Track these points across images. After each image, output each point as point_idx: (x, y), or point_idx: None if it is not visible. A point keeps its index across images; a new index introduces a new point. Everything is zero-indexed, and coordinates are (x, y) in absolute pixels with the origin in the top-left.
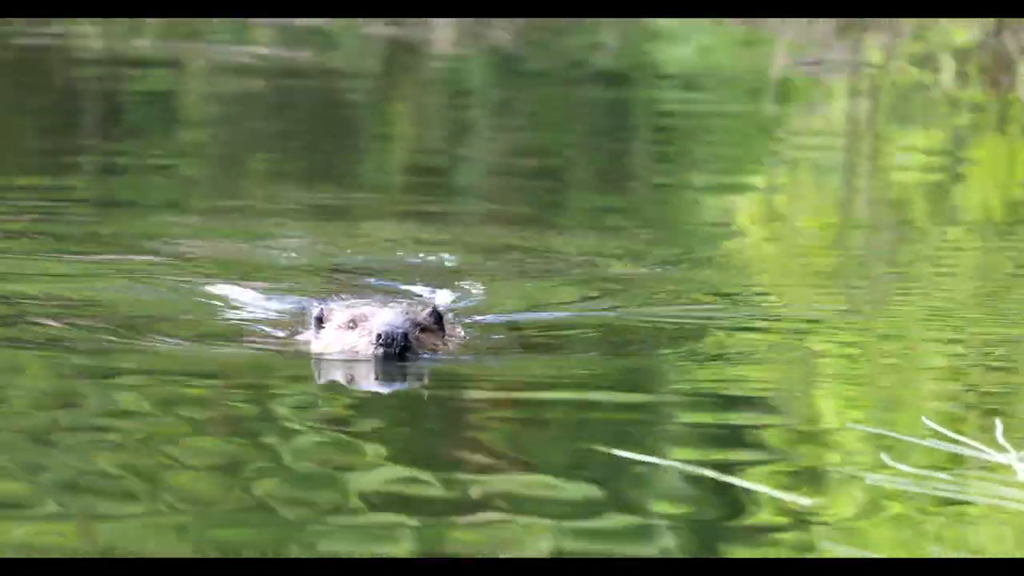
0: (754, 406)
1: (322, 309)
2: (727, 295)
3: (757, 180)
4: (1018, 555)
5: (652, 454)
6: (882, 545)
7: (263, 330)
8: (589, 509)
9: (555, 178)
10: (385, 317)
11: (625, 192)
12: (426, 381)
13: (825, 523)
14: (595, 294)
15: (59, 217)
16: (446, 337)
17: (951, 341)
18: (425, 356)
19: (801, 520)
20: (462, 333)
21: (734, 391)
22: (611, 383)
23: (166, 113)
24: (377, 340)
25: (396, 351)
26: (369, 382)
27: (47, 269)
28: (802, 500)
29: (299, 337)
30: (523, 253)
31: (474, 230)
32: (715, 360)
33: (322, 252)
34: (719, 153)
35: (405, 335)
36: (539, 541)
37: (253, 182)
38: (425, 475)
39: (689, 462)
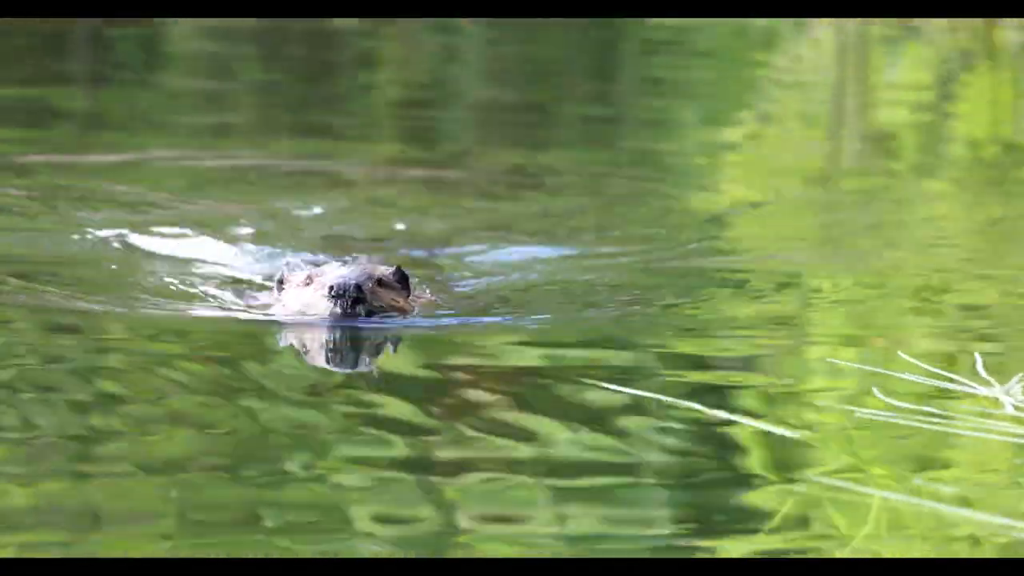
0: (737, 342)
1: (283, 270)
2: (711, 235)
3: (744, 113)
4: (1006, 484)
5: (634, 388)
6: (869, 477)
7: (225, 292)
8: (577, 449)
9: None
10: (338, 271)
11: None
12: (379, 338)
13: (812, 457)
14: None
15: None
16: (411, 297)
17: (932, 279)
18: (381, 313)
19: (787, 454)
20: (430, 295)
21: (716, 329)
22: (579, 339)
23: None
24: (329, 292)
25: (349, 302)
26: (321, 340)
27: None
28: (787, 433)
29: (260, 299)
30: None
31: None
32: (698, 300)
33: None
34: (705, 78)
35: (358, 287)
36: (535, 496)
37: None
38: (383, 435)
39: (675, 396)
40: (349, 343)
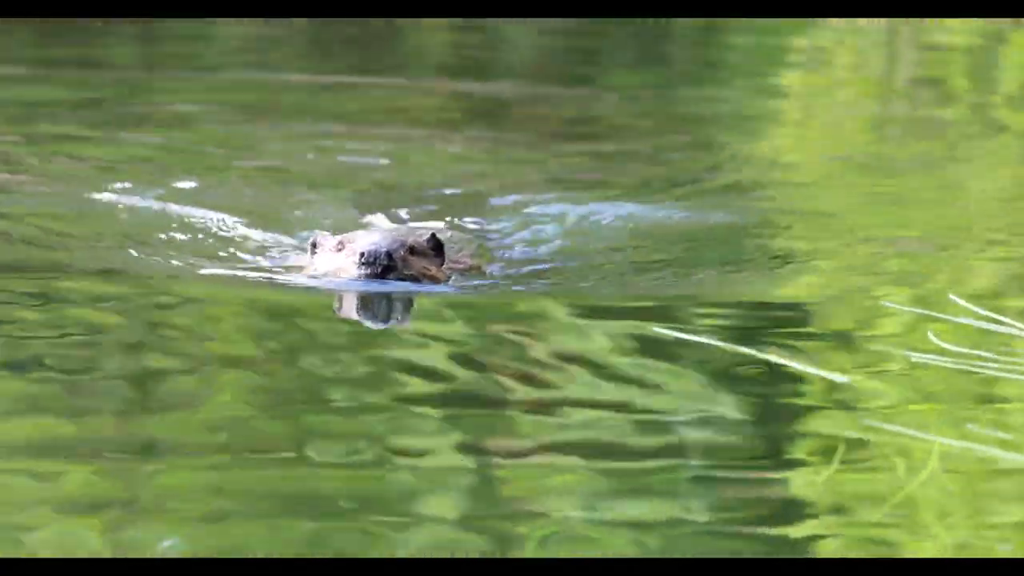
0: (790, 288)
1: (316, 235)
2: (761, 184)
3: (797, 54)
4: None
5: (689, 334)
6: (921, 422)
7: (259, 255)
8: (627, 392)
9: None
10: (369, 237)
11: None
12: (408, 304)
13: (864, 400)
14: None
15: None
16: (447, 265)
17: (990, 227)
18: (412, 279)
19: (840, 397)
20: (470, 260)
21: (769, 277)
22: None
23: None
24: (359, 259)
25: (379, 270)
26: (351, 304)
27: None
28: (839, 377)
29: (293, 261)
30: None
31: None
32: (755, 249)
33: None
34: (757, 24)
35: (389, 254)
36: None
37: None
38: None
39: (728, 340)
40: (379, 308)
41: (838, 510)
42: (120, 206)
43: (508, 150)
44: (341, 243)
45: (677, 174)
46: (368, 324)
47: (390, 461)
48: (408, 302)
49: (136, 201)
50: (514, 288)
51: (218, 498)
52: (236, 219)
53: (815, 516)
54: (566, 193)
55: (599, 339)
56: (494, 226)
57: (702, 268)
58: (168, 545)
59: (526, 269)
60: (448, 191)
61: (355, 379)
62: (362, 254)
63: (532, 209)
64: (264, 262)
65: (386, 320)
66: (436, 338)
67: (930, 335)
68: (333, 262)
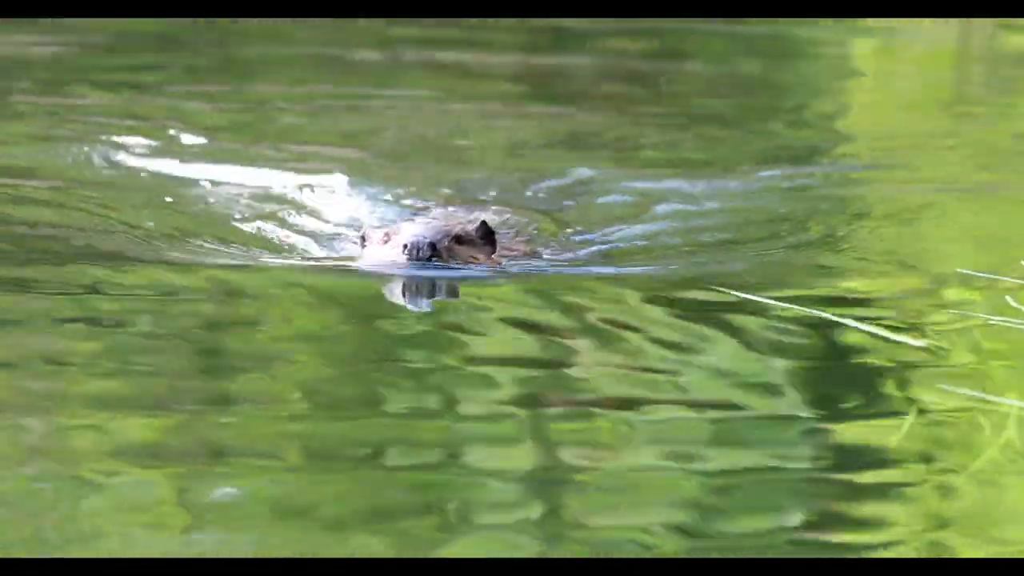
0: (863, 253)
1: (365, 227)
2: (835, 150)
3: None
4: None
5: (758, 296)
6: (993, 386)
7: (315, 245)
8: (701, 357)
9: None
10: (413, 228)
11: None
12: (453, 288)
13: (939, 364)
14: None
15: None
16: (500, 252)
17: None
18: (456, 267)
19: (914, 361)
20: (526, 247)
21: (842, 242)
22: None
23: None
24: (403, 250)
25: (424, 260)
26: (395, 294)
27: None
28: (914, 342)
29: (345, 250)
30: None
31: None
32: (830, 218)
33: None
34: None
35: (432, 245)
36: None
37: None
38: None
39: (804, 306)
40: (423, 291)
41: (913, 471)
42: (207, 193)
43: (580, 134)
44: (387, 235)
45: (745, 150)
46: (413, 307)
47: (457, 424)
48: (453, 286)
49: (221, 189)
50: (564, 271)
51: (283, 453)
52: (321, 198)
53: (892, 473)
54: (643, 170)
55: (658, 314)
56: (563, 212)
57: (766, 242)
58: (223, 493)
59: (585, 252)
60: (514, 170)
61: (419, 345)
62: (405, 245)
63: (604, 186)
64: (325, 251)
65: (430, 302)
66: (501, 319)
67: (1008, 299)
68: (379, 254)
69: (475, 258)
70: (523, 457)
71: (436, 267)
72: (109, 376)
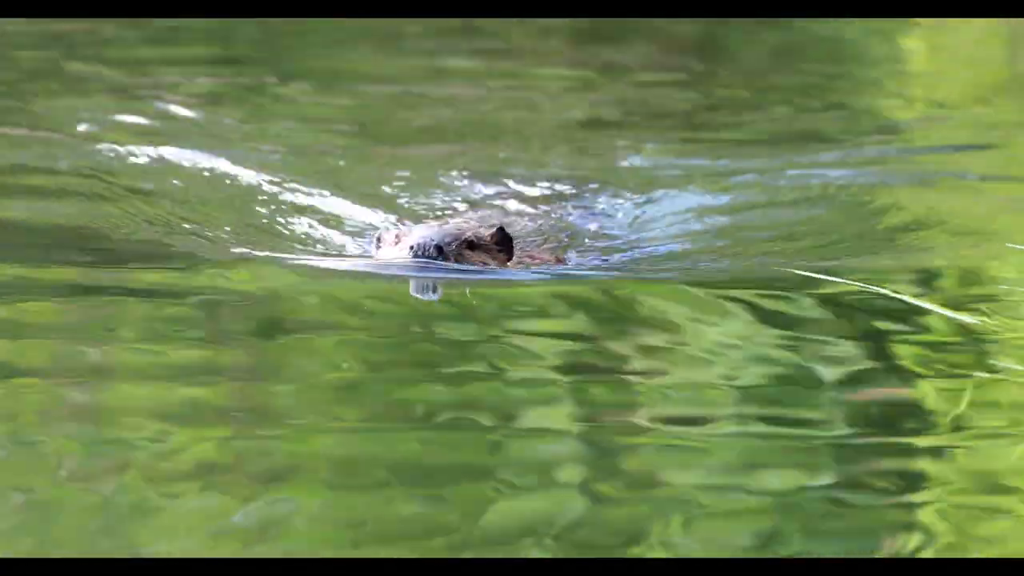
0: (919, 230)
1: (381, 229)
2: (894, 125)
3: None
4: None
5: (815, 272)
6: None
7: (330, 246)
8: (763, 332)
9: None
10: (420, 231)
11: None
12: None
13: (995, 341)
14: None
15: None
16: (517, 260)
17: None
18: (461, 267)
19: (972, 338)
20: (549, 256)
21: (897, 219)
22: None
23: None
24: (409, 252)
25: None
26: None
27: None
28: (970, 319)
29: (362, 251)
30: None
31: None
32: (881, 189)
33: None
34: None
35: (438, 247)
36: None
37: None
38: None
39: (860, 281)
40: (423, 287)
41: (968, 449)
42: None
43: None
44: (398, 236)
45: (792, 139)
46: (420, 297)
47: (505, 428)
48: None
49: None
50: (586, 273)
51: (334, 460)
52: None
53: (945, 450)
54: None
55: (709, 317)
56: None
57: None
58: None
59: (616, 257)
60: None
61: (463, 349)
62: (411, 247)
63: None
64: (352, 249)
65: (430, 294)
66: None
67: None
68: (391, 255)
69: (487, 264)
70: (573, 470)
71: (439, 267)
72: (156, 381)
